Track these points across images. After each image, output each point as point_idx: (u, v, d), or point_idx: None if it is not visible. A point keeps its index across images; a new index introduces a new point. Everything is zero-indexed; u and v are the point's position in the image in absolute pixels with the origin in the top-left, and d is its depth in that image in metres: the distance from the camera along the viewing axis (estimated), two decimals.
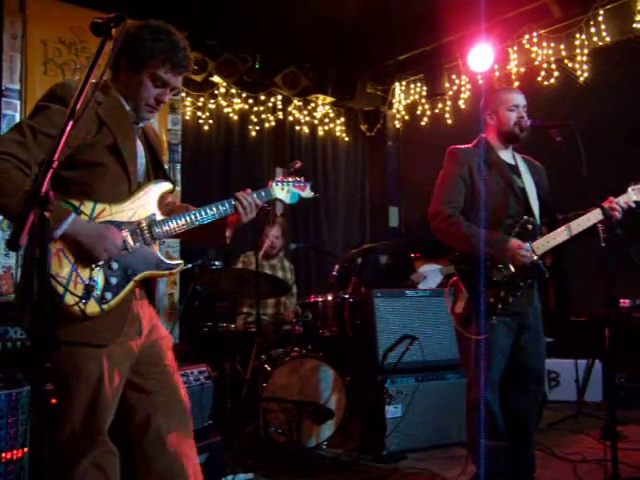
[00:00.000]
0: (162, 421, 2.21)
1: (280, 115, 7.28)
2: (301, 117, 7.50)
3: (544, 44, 6.23)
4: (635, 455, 3.79)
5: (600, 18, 5.86)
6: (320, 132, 7.69)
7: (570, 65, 6.16)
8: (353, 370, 4.54)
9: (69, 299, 1.96)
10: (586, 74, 6.05)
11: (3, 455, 2.85)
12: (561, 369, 5.62)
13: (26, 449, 2.87)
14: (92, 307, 2.00)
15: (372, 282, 5.46)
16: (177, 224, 2.23)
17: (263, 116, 7.14)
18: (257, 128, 7.12)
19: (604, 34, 5.86)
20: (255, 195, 2.37)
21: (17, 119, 4.92)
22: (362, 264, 5.16)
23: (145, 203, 2.19)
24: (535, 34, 6.24)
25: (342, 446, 4.35)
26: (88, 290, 1.99)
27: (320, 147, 7.73)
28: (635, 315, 5.19)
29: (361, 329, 4.52)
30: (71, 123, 1.52)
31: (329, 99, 7.54)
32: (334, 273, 5.02)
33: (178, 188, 5.91)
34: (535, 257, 3.01)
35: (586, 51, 6.01)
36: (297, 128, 7.52)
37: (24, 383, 2.97)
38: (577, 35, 6.02)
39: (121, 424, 2.18)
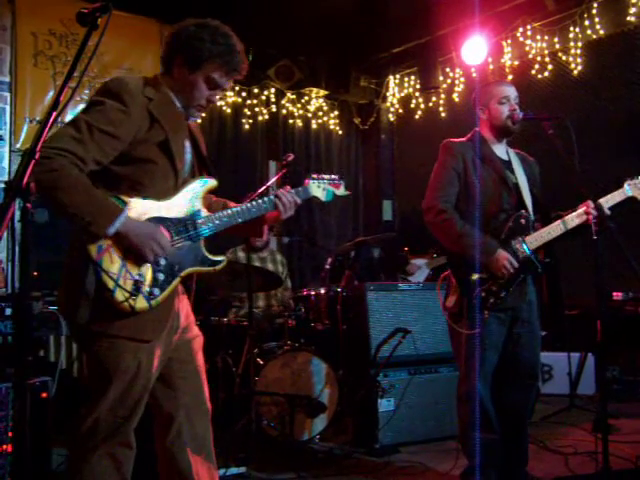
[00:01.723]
0: (184, 423, 2.25)
1: (273, 108, 7.26)
2: (295, 110, 7.48)
3: (538, 37, 6.22)
4: (626, 447, 3.81)
5: (594, 11, 5.86)
6: (314, 125, 7.66)
7: (564, 58, 6.16)
8: (346, 363, 4.54)
9: (119, 295, 1.99)
10: (580, 67, 6.04)
11: None
12: (554, 362, 5.64)
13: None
14: (141, 303, 2.03)
15: (365, 275, 5.45)
16: (221, 220, 2.25)
17: (256, 109, 7.12)
18: (250, 121, 7.10)
19: (598, 27, 5.86)
20: (294, 192, 2.41)
21: (7, 111, 4.90)
22: (355, 257, 5.15)
23: (191, 199, 2.21)
24: (529, 27, 6.24)
25: (335, 440, 4.35)
26: (137, 286, 2.02)
27: (314, 140, 7.71)
28: (627, 308, 5.20)
29: (354, 322, 4.51)
30: (54, 114, 1.49)
31: (323, 92, 7.52)
32: (327, 266, 5.01)
33: None
34: (528, 252, 3.01)
35: (580, 44, 6.01)
36: (290, 121, 7.50)
37: (14, 378, 2.95)
38: (571, 28, 6.02)
39: (147, 415, 2.22)
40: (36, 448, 3.11)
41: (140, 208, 2.07)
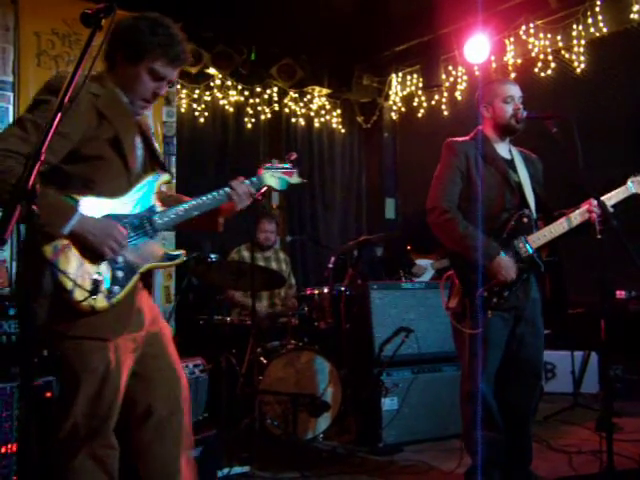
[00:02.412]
0: (163, 416, 2.22)
1: (276, 107, 7.25)
2: (297, 109, 7.47)
3: (541, 35, 6.20)
4: (630, 447, 3.80)
5: (597, 9, 5.83)
6: (316, 124, 7.65)
7: (567, 56, 6.14)
8: (349, 362, 4.54)
9: (78, 294, 1.97)
10: (583, 65, 6.02)
11: None
12: (557, 361, 5.63)
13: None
14: (101, 302, 2.01)
15: (368, 274, 5.45)
16: (177, 214, 2.25)
17: (259, 108, 7.12)
18: (253, 120, 7.09)
19: (601, 25, 5.84)
20: (248, 183, 2.40)
21: (10, 111, 4.90)
22: (358, 256, 5.15)
23: (145, 195, 2.20)
24: (532, 25, 6.21)
25: (338, 439, 4.35)
26: (96, 285, 2.00)
27: (316, 139, 7.70)
28: (631, 306, 5.19)
29: (357, 321, 4.51)
30: (59, 116, 1.49)
31: (325, 91, 7.50)
32: (330, 265, 5.01)
33: (173, 181, 5.88)
34: (530, 250, 3.01)
35: (583, 42, 5.99)
36: (293, 120, 7.49)
37: (19, 377, 2.96)
38: (574, 26, 5.99)
39: (121, 415, 2.18)
40: (41, 447, 3.12)
41: (94, 206, 2.05)
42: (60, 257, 1.95)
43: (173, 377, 2.28)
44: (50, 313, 1.95)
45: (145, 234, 2.17)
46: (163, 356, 2.28)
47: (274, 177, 2.52)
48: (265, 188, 2.50)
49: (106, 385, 2.07)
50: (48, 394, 3.22)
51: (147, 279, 2.31)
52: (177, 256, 2.26)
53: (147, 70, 2.16)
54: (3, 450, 2.90)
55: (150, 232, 2.18)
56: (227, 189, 2.34)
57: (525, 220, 3.07)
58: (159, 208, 2.23)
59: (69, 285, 1.95)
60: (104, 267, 2.04)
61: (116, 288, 2.06)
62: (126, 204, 2.14)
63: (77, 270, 1.98)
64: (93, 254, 2.01)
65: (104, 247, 2.00)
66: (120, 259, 2.08)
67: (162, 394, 2.23)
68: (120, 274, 2.08)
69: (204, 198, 2.31)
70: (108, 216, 2.08)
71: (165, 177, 2.29)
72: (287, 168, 2.58)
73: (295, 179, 2.60)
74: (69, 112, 1.88)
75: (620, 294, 5.26)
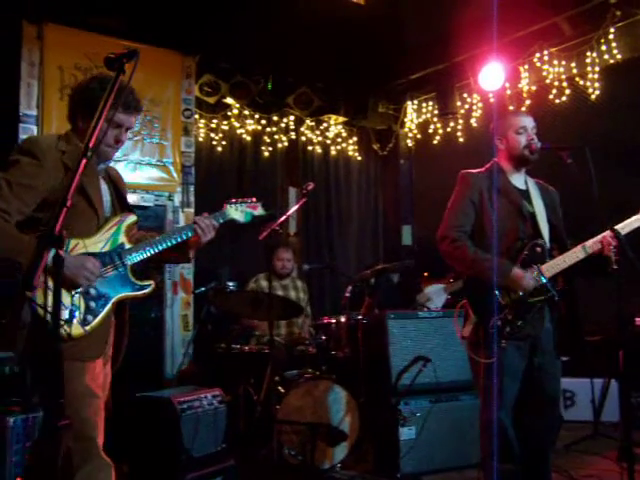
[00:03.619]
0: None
1: (293, 135, 7.34)
2: (313, 137, 7.56)
3: (555, 62, 6.24)
4: None
5: (611, 36, 5.86)
6: (333, 152, 7.73)
7: (581, 83, 6.16)
8: (366, 391, 4.53)
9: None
10: (597, 92, 6.04)
11: None
12: (577, 388, 5.58)
13: None
14: (76, 329, 2.24)
15: (384, 301, 5.46)
16: (144, 250, 2.49)
17: (276, 137, 7.20)
18: (270, 149, 7.17)
19: (615, 52, 5.87)
20: (213, 217, 2.66)
21: None
22: (375, 285, 5.17)
23: (114, 234, 2.46)
24: (546, 52, 6.25)
25: (356, 468, 4.34)
26: (71, 315, 2.23)
27: (333, 167, 7.76)
28: None
29: (374, 351, 4.51)
30: (84, 161, 1.56)
31: (341, 119, 7.58)
32: (347, 294, 5.03)
33: (192, 210, 5.96)
34: (543, 280, 3.02)
35: (597, 69, 6.01)
36: (310, 148, 7.57)
37: (39, 408, 3.00)
38: (588, 53, 6.03)
39: None
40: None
41: (66, 247, 2.26)
42: (38, 293, 2.14)
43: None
44: (29, 342, 2.14)
45: (115, 268, 2.41)
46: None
47: (238, 211, 2.77)
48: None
49: (92, 404, 2.29)
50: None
51: (121, 316, 2.53)
52: (147, 286, 2.50)
53: (105, 120, 2.31)
54: None
55: (119, 266, 2.42)
56: (192, 224, 2.61)
57: (538, 250, 3.08)
58: (127, 245, 2.48)
59: (46, 316, 2.11)
60: (78, 299, 2.27)
61: (89, 317, 2.29)
62: (97, 243, 2.39)
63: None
64: (69, 286, 2.23)
65: (80, 278, 2.24)
66: (93, 291, 2.32)
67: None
68: (93, 304, 2.31)
69: (169, 234, 2.59)
70: (81, 254, 2.32)
71: (131, 218, 2.54)
72: (250, 202, 2.82)
73: (260, 211, 2.84)
74: (37, 168, 2.28)
75: None
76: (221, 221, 2.70)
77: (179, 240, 2.57)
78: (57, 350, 1.56)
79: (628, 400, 4.52)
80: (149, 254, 2.49)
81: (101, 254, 2.38)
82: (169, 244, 2.55)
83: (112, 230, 2.45)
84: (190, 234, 2.60)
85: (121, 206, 2.61)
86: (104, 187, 2.54)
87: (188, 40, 5.83)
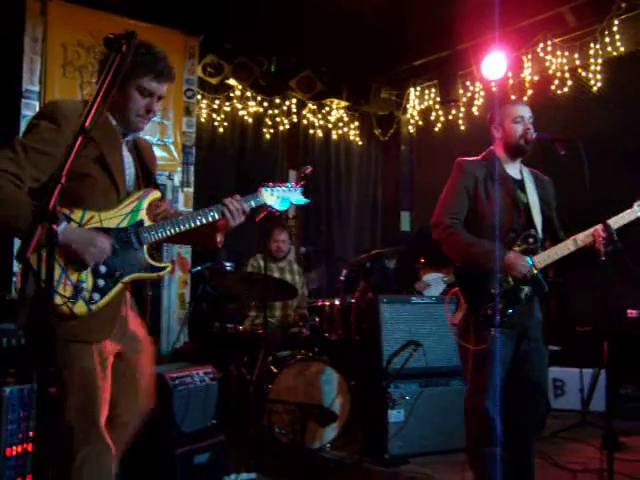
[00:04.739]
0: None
1: (294, 118, 7.36)
2: (315, 120, 7.58)
3: (558, 53, 6.24)
4: (635, 466, 3.82)
5: (615, 28, 5.86)
6: (334, 136, 7.75)
7: (584, 74, 6.17)
8: (358, 374, 4.60)
9: (58, 299, 2.08)
10: (599, 84, 6.05)
11: (14, 448, 2.96)
12: (567, 377, 5.64)
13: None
14: (80, 307, 2.12)
15: (380, 287, 5.51)
16: (164, 229, 2.34)
17: (277, 119, 7.23)
18: (271, 131, 7.20)
19: (618, 44, 5.87)
20: (244, 201, 2.45)
21: None
22: (370, 269, 5.22)
23: (134, 210, 2.31)
24: (549, 43, 6.26)
25: (345, 449, 4.40)
26: (77, 291, 2.11)
27: (333, 151, 7.79)
28: None
29: (367, 334, 4.57)
30: (80, 139, 1.59)
31: (343, 103, 7.60)
32: (341, 278, 5.08)
33: (191, 189, 6.01)
34: (535, 270, 3.05)
35: (600, 61, 6.02)
36: (311, 131, 7.59)
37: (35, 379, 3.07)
38: (591, 44, 6.03)
39: None
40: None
41: (80, 219, 2.17)
42: (43, 265, 2.07)
43: (131, 406, 2.41)
44: (31, 316, 2.08)
45: (130, 246, 2.26)
46: (132, 378, 2.40)
47: (274, 196, 2.51)
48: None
49: (92, 385, 2.18)
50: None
51: (140, 298, 2.44)
52: (162, 268, 2.35)
53: (136, 88, 2.29)
54: (20, 450, 3.00)
55: (135, 244, 2.27)
56: (220, 205, 2.40)
57: (531, 240, 3.11)
58: (147, 223, 2.32)
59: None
60: (86, 275, 2.15)
61: (96, 295, 2.16)
62: (113, 218, 2.25)
63: (59, 277, 2.10)
64: (76, 262, 2.13)
65: (87, 255, 2.11)
66: (102, 268, 2.18)
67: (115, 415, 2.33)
68: (102, 282, 2.18)
69: (194, 213, 2.39)
70: (94, 228, 2.19)
71: (155, 194, 2.38)
72: (289, 188, 2.55)
73: (298, 199, 2.57)
74: (56, 134, 2.13)
75: (631, 313, 5.26)
76: (253, 205, 2.47)
77: (203, 221, 2.37)
78: (48, 323, 1.58)
79: (613, 389, 4.58)
80: (168, 234, 2.33)
81: (116, 230, 2.23)
82: (192, 225, 2.36)
83: (132, 205, 2.30)
84: (216, 216, 2.38)
85: (146, 181, 2.45)
86: (128, 159, 2.38)
87: (192, 20, 5.83)
